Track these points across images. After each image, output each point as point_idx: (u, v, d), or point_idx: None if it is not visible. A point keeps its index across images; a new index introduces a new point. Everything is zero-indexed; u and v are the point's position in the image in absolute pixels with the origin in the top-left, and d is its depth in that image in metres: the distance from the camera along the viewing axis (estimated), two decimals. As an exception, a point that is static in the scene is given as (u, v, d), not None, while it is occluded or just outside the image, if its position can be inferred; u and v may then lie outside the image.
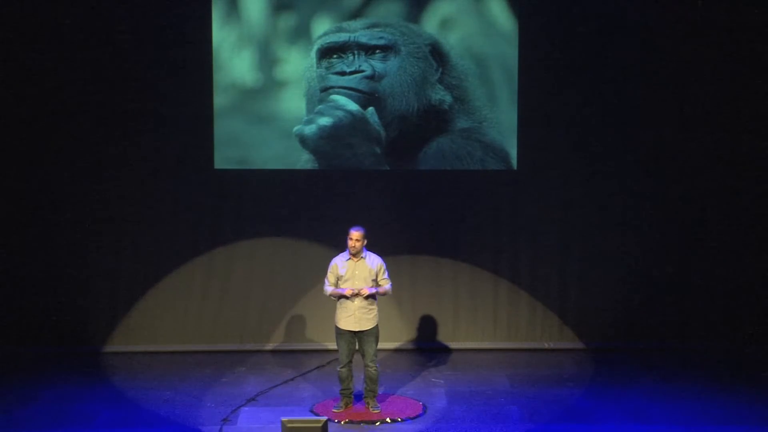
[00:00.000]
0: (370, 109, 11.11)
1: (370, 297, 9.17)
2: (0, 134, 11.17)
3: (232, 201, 11.41)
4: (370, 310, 9.20)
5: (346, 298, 9.11)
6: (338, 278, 9.19)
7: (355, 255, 9.15)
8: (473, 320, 11.57)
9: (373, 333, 9.22)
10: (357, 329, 9.17)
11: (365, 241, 9.19)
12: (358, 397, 9.53)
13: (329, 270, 9.24)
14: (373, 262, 9.21)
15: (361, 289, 9.09)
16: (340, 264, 9.21)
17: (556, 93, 11.31)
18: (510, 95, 11.28)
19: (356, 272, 9.16)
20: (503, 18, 11.22)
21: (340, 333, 9.23)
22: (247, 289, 11.49)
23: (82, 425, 9.08)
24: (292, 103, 11.22)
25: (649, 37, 11.24)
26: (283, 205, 11.41)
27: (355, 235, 9.12)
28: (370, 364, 9.21)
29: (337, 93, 11.12)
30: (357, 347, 9.27)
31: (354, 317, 9.16)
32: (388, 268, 9.36)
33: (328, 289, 9.23)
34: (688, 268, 11.48)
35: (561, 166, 11.42)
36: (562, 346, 11.51)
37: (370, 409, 9.26)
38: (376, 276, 9.20)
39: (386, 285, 9.24)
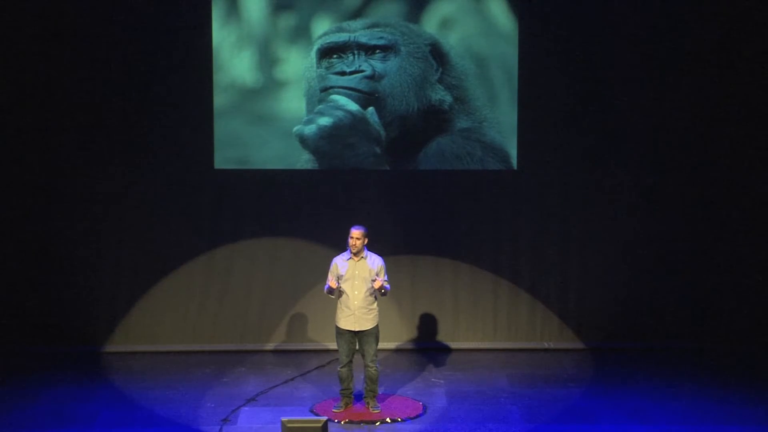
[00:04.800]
0: (370, 109, 11.11)
1: (371, 297, 9.17)
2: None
3: (232, 201, 11.40)
4: (371, 310, 9.20)
5: (339, 293, 9.12)
6: (339, 278, 9.18)
7: (355, 254, 9.15)
8: (473, 320, 11.57)
9: (373, 333, 9.22)
10: (357, 329, 9.17)
11: (366, 240, 9.18)
12: (358, 397, 9.53)
13: (330, 269, 9.24)
14: (373, 262, 9.20)
15: (377, 282, 9.09)
16: (340, 263, 9.21)
17: (556, 93, 11.31)
18: (510, 95, 11.28)
19: (356, 272, 9.15)
20: (503, 18, 11.22)
21: (340, 333, 9.23)
22: (247, 289, 11.49)
23: (82, 425, 9.08)
24: (292, 103, 11.22)
25: (650, 37, 11.24)
26: (283, 205, 11.41)
27: (356, 233, 9.12)
28: (370, 364, 9.21)
29: (337, 93, 11.12)
30: (357, 347, 9.27)
31: (354, 317, 9.16)
32: (388, 269, 9.35)
33: (326, 285, 9.21)
34: (688, 268, 11.47)
35: (561, 166, 11.41)
36: (562, 346, 11.50)
37: (370, 409, 9.26)
38: (377, 276, 9.19)
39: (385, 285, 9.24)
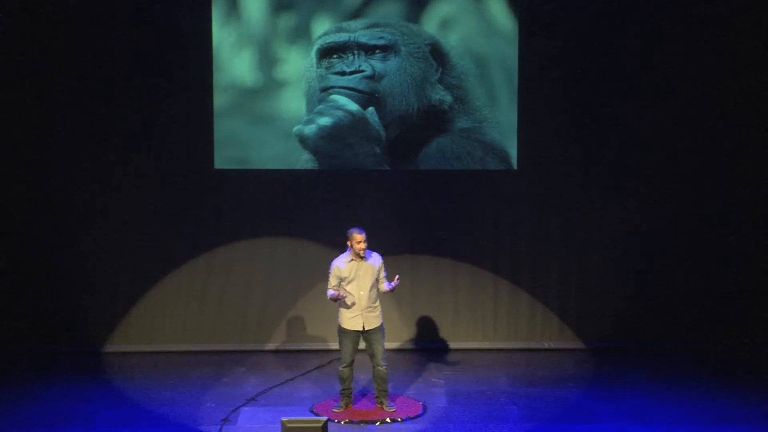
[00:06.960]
0: (370, 109, 11.11)
1: (375, 295, 9.16)
2: (0, 134, 11.18)
3: (232, 201, 11.40)
4: (375, 308, 9.19)
5: (345, 302, 9.10)
6: (341, 280, 9.15)
7: (361, 257, 9.11)
8: (473, 320, 11.58)
9: (380, 331, 9.19)
10: (366, 328, 9.12)
11: (366, 241, 9.22)
12: (358, 397, 9.52)
13: (330, 273, 9.18)
14: (375, 260, 9.19)
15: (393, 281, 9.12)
16: (341, 266, 9.16)
17: (556, 93, 11.31)
18: (510, 95, 11.29)
19: (360, 272, 9.13)
20: (503, 18, 11.22)
21: (345, 333, 9.18)
22: (247, 289, 11.49)
23: (82, 425, 9.08)
24: (292, 103, 11.22)
25: (650, 37, 11.24)
26: (283, 205, 11.41)
27: (362, 237, 9.05)
28: (381, 362, 9.16)
29: (337, 93, 11.12)
30: (361, 347, 9.24)
31: (361, 316, 9.12)
32: (388, 269, 9.36)
33: (331, 293, 9.17)
34: (688, 268, 11.48)
35: (561, 166, 11.42)
36: (562, 346, 11.51)
37: (385, 409, 9.22)
38: (379, 274, 9.19)
39: (385, 285, 9.23)
